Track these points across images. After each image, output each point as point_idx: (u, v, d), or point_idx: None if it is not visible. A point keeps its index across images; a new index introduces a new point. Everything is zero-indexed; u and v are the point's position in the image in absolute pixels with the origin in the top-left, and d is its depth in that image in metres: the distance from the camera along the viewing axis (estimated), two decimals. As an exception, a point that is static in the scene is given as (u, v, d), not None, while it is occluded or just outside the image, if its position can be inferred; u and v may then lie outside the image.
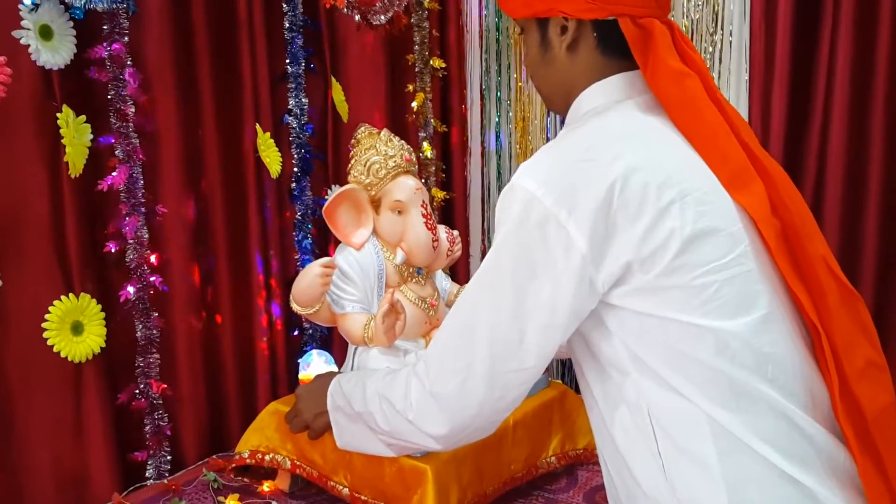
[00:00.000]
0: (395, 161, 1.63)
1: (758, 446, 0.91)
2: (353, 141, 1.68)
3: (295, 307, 1.60)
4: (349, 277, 1.62)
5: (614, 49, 1.02)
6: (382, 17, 2.07)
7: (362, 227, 1.64)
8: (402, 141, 1.68)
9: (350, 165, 1.66)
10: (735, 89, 1.99)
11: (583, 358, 1.06)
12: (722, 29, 1.97)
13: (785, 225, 0.96)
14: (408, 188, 1.62)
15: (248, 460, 1.68)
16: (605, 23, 1.01)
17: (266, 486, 1.70)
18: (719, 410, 0.92)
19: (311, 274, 1.54)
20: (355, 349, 1.63)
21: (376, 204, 1.65)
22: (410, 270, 1.68)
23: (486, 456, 1.56)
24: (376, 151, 1.63)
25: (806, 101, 1.90)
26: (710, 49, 1.99)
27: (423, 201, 1.64)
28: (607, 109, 1.02)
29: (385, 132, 1.67)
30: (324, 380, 1.42)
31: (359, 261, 1.63)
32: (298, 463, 1.65)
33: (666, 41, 0.98)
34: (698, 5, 1.99)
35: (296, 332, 2.07)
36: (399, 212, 1.63)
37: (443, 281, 1.82)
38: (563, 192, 0.91)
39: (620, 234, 0.90)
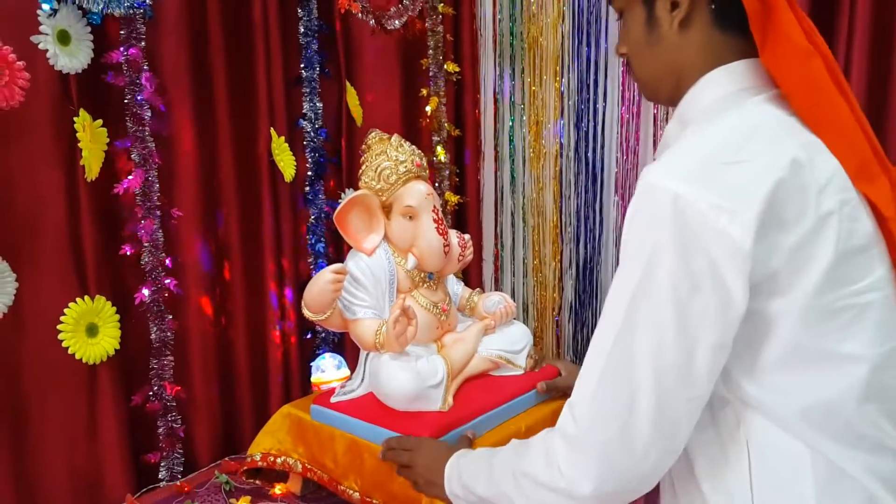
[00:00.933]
0: (405, 166, 1.63)
1: (869, 483, 0.84)
2: (363, 146, 1.69)
3: (306, 313, 1.60)
4: (360, 283, 1.62)
5: (732, 24, 0.91)
6: (397, 21, 2.08)
7: (373, 232, 1.65)
8: (413, 146, 1.69)
9: (361, 171, 1.66)
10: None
11: None
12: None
13: None
14: (419, 193, 1.63)
15: (259, 463, 1.69)
16: None
17: (278, 489, 1.71)
18: (830, 444, 0.85)
19: (322, 280, 1.54)
20: (367, 355, 1.64)
21: (387, 209, 1.65)
22: (422, 275, 1.68)
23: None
24: (387, 157, 1.63)
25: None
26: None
27: (435, 206, 1.64)
28: (735, 98, 0.91)
29: (396, 137, 1.68)
30: (442, 450, 1.28)
31: (370, 266, 1.63)
32: (309, 466, 1.66)
33: (788, 16, 0.87)
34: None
35: (309, 336, 2.08)
36: (410, 217, 1.63)
37: (454, 285, 1.83)
38: (722, 195, 0.80)
39: (782, 238, 0.81)
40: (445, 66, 2.29)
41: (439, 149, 2.32)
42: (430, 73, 2.29)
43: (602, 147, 2.28)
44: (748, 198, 0.80)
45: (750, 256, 0.80)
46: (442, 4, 2.25)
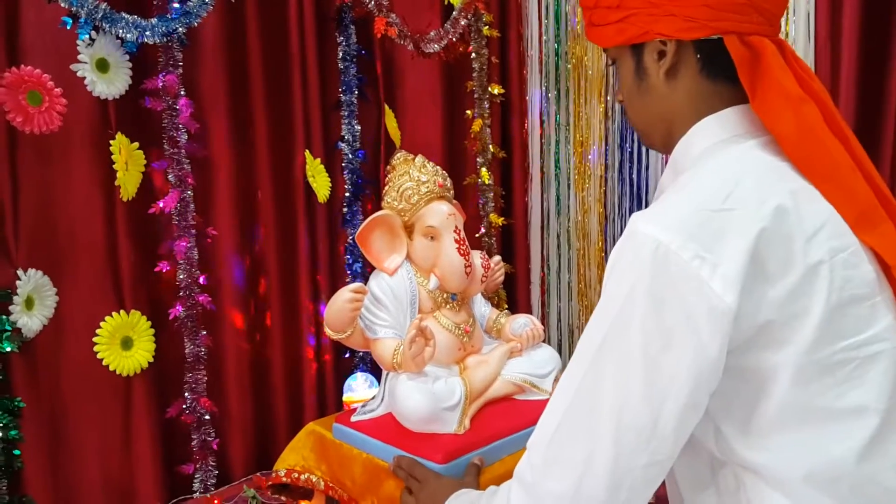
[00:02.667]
0: (427, 187, 1.63)
1: None
2: (388, 167, 1.71)
3: (328, 331, 1.62)
4: (381, 303, 1.63)
5: (720, 73, 0.88)
6: (436, 45, 2.10)
7: (395, 252, 1.65)
8: (437, 167, 1.69)
9: (384, 191, 1.68)
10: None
11: None
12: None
13: None
14: (441, 214, 1.62)
15: (283, 479, 1.71)
16: (708, 42, 0.87)
17: (302, 506, 1.72)
18: None
19: (340, 299, 1.55)
20: (387, 374, 1.64)
21: (410, 229, 1.66)
22: (444, 296, 1.67)
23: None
24: (409, 177, 1.64)
25: (875, 126, 1.78)
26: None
27: (457, 227, 1.64)
28: (726, 145, 0.88)
29: (420, 158, 1.68)
30: (445, 489, 1.23)
31: (391, 286, 1.64)
32: (331, 485, 1.67)
33: (779, 62, 0.84)
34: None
35: (347, 355, 2.10)
36: (432, 237, 1.63)
37: (481, 306, 1.81)
38: (705, 245, 0.76)
39: (768, 290, 0.76)
40: (490, 88, 2.29)
41: (484, 170, 2.31)
42: (475, 96, 2.29)
43: (647, 168, 2.22)
44: (731, 250, 0.76)
45: (731, 312, 0.74)
46: (487, 27, 2.26)
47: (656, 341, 0.76)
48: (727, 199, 0.79)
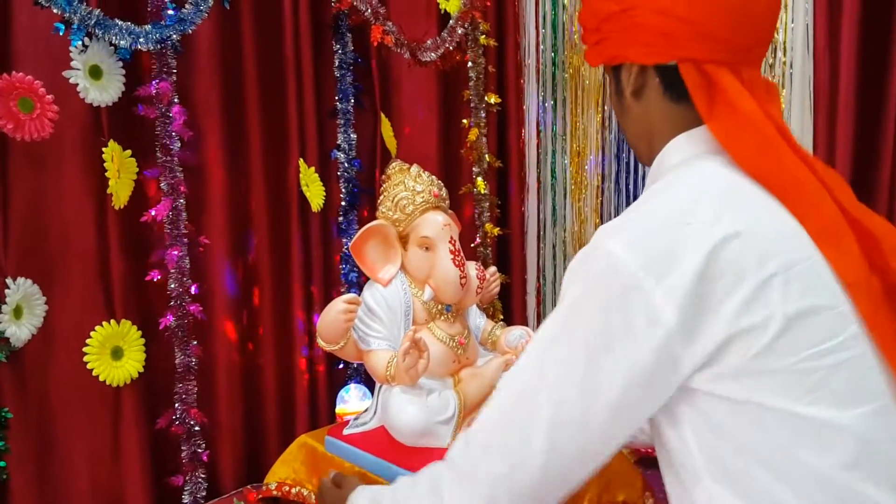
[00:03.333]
0: (423, 197, 1.62)
1: None
2: (383, 176, 1.69)
3: (320, 343, 1.60)
4: (375, 314, 1.61)
5: (682, 95, 0.93)
6: (433, 54, 2.09)
7: (390, 263, 1.64)
8: (433, 176, 1.67)
9: (379, 201, 1.66)
10: (798, 121, 1.88)
11: (658, 453, 0.94)
12: (784, 56, 1.87)
13: (887, 286, 0.85)
14: (435, 224, 1.61)
15: (274, 492, 1.69)
16: (667, 68, 0.93)
17: (293, 520, 1.70)
18: None
19: (334, 310, 1.54)
20: (380, 387, 1.62)
21: (404, 240, 1.64)
22: (439, 307, 1.66)
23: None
24: (405, 187, 1.63)
25: (875, 134, 1.77)
26: (772, 79, 1.89)
27: (452, 237, 1.62)
28: (694, 161, 0.92)
29: (415, 168, 1.67)
30: (344, 492, 1.21)
31: (385, 297, 1.62)
32: (323, 498, 1.65)
33: (735, 86, 0.88)
34: (759, 37, 1.90)
35: (340, 366, 2.08)
36: (427, 248, 1.61)
37: (476, 318, 1.79)
38: (653, 258, 0.80)
39: (717, 307, 0.79)
40: (486, 98, 2.28)
41: (479, 180, 2.30)
42: (472, 105, 2.28)
43: (643, 178, 2.21)
44: (679, 264, 0.79)
45: (668, 325, 0.79)
46: (484, 37, 2.25)
47: (598, 344, 0.82)
48: (685, 214, 0.84)
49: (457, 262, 1.60)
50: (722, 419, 0.82)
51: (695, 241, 0.80)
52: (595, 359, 0.82)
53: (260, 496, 1.72)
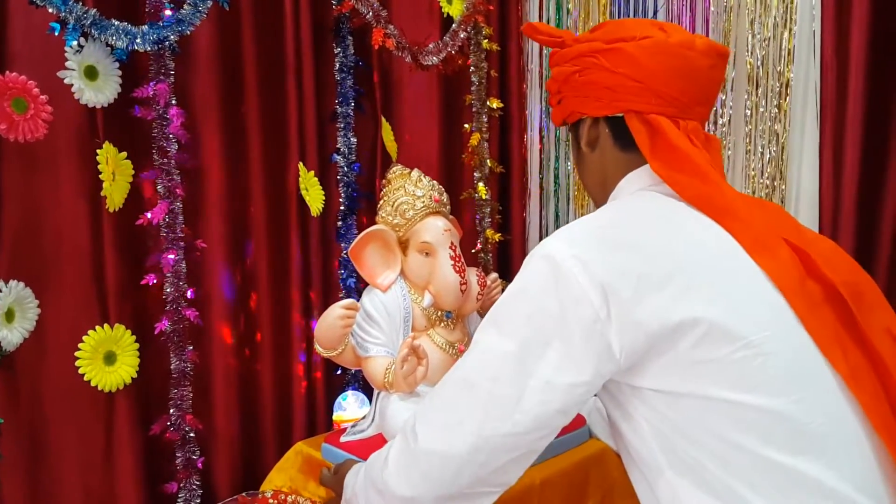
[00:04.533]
0: (423, 202, 1.60)
1: None
2: (384, 181, 1.67)
3: (318, 349, 1.58)
4: (374, 320, 1.59)
5: (629, 143, 1.06)
6: (434, 58, 2.06)
7: (389, 268, 1.61)
8: (434, 181, 1.65)
9: (379, 205, 1.64)
10: (800, 131, 1.85)
11: (621, 452, 1.02)
12: (790, 65, 1.84)
13: (828, 293, 0.92)
14: (436, 229, 1.59)
15: (270, 500, 1.66)
16: (615, 120, 1.07)
17: (289, 529, 1.67)
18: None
19: (331, 316, 1.52)
20: (378, 394, 1.59)
21: (404, 245, 1.62)
22: (439, 314, 1.63)
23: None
24: (405, 192, 1.60)
25: (884, 145, 1.74)
26: (777, 87, 1.86)
27: (453, 243, 1.60)
28: (644, 192, 1.05)
29: (416, 172, 1.65)
30: (343, 468, 1.30)
31: (384, 303, 1.60)
32: (319, 507, 1.62)
33: (673, 131, 1.01)
34: (765, 41, 1.87)
35: (339, 372, 2.05)
36: (427, 253, 1.59)
37: (477, 325, 1.76)
38: (583, 248, 0.91)
39: (645, 299, 0.87)
40: (489, 102, 2.26)
41: (481, 185, 2.27)
42: (474, 109, 2.26)
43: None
44: (608, 256, 0.90)
45: (592, 308, 0.87)
46: (487, 41, 2.23)
47: (534, 326, 0.91)
48: (620, 221, 0.99)
49: (457, 269, 1.58)
50: (670, 413, 0.89)
51: (622, 240, 0.92)
52: (530, 340, 0.90)
53: (255, 504, 1.70)
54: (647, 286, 0.87)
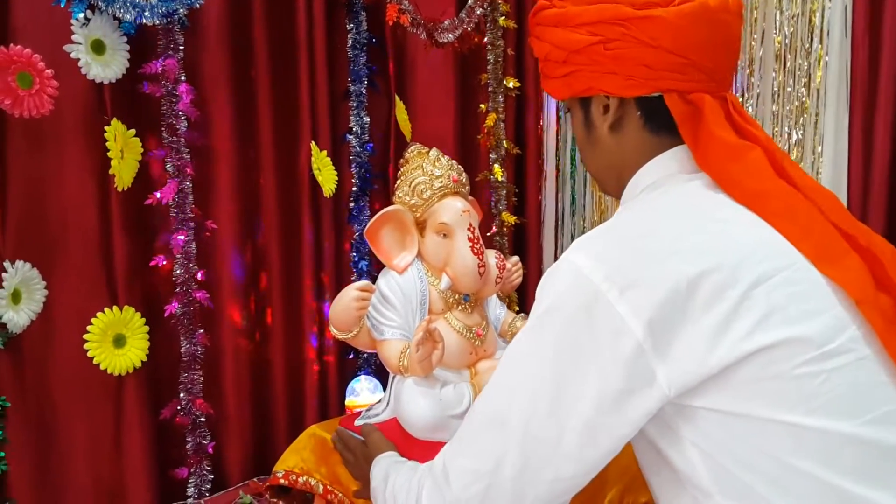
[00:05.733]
0: (441, 181, 1.54)
1: None
2: (401, 160, 1.62)
3: (333, 331, 1.54)
4: (390, 302, 1.54)
5: (662, 126, 0.92)
6: (450, 35, 2.01)
7: (405, 250, 1.57)
8: (452, 161, 1.60)
9: (396, 185, 1.59)
10: (834, 111, 1.79)
11: (650, 470, 0.91)
12: (821, 42, 1.78)
13: None
14: (454, 210, 1.53)
15: (281, 480, 1.64)
16: (649, 99, 0.91)
17: (301, 514, 1.64)
18: None
19: (346, 297, 1.47)
20: (393, 377, 1.55)
21: (421, 226, 1.57)
22: (456, 297, 1.59)
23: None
24: (422, 171, 1.55)
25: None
26: (806, 66, 1.80)
27: (471, 224, 1.55)
28: (667, 184, 0.91)
29: (434, 151, 1.59)
30: (367, 451, 1.31)
31: (401, 285, 1.55)
32: (331, 488, 1.59)
33: (717, 117, 0.88)
34: (793, 17, 1.81)
35: (351, 356, 2.02)
36: (444, 235, 1.54)
37: (496, 308, 1.72)
38: (617, 269, 0.78)
39: (692, 322, 0.75)
40: (505, 82, 2.20)
41: (497, 167, 2.22)
42: (490, 89, 2.20)
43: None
44: (645, 275, 0.77)
45: (634, 338, 0.75)
46: (504, 18, 2.17)
47: (566, 359, 0.79)
48: (649, 229, 0.83)
49: (475, 250, 1.53)
50: (723, 435, 0.78)
51: (661, 255, 0.78)
52: (564, 375, 0.79)
53: (267, 484, 1.67)
54: (700, 308, 0.75)
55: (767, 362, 0.75)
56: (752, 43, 1.86)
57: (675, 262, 0.77)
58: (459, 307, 1.60)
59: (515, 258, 1.73)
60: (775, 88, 1.86)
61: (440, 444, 1.42)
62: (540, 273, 2.40)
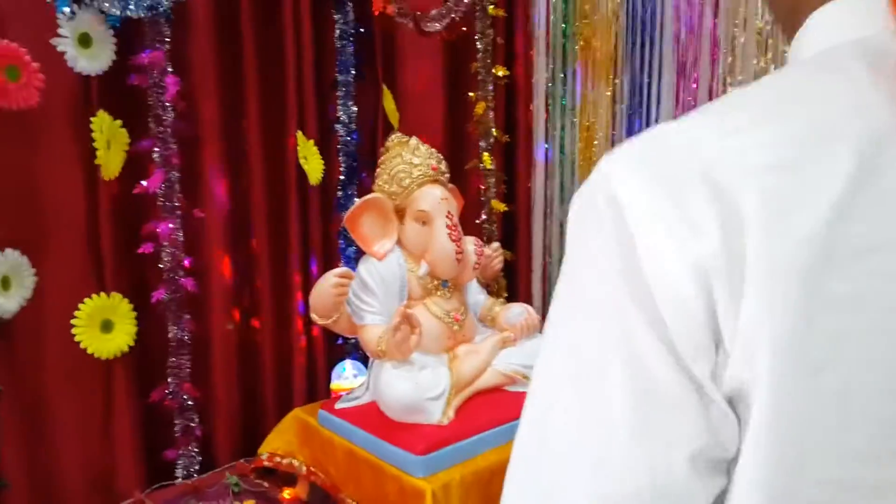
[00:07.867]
0: (420, 170, 1.58)
1: None
2: (382, 149, 1.65)
3: (313, 317, 1.58)
4: (369, 288, 1.58)
5: None
6: (437, 24, 2.03)
7: (386, 237, 1.60)
8: (432, 150, 1.63)
9: (377, 174, 1.62)
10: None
11: None
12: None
13: None
14: (433, 198, 1.57)
15: (265, 462, 1.69)
16: None
17: (286, 493, 1.69)
18: None
19: (325, 284, 1.51)
20: (373, 361, 1.59)
21: (401, 214, 1.60)
22: (435, 283, 1.62)
23: (497, 486, 1.47)
24: (402, 160, 1.59)
25: None
26: (788, 51, 1.80)
27: (450, 212, 1.58)
28: (840, 61, 0.44)
29: (414, 140, 1.62)
30: None
31: (380, 272, 1.59)
32: (313, 469, 1.64)
33: None
34: (774, 6, 1.81)
35: (340, 342, 2.05)
36: (423, 222, 1.57)
37: (476, 294, 1.75)
38: (678, 189, 0.40)
39: (827, 284, 0.39)
40: (494, 70, 2.22)
41: (486, 155, 2.24)
42: (479, 77, 2.22)
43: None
44: (730, 210, 0.39)
45: (686, 306, 0.39)
46: (493, 7, 2.18)
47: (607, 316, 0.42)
48: (766, 128, 0.41)
49: (453, 237, 1.56)
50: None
51: (768, 175, 0.39)
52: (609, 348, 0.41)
53: (252, 466, 1.72)
54: (839, 256, 0.39)
55: None
56: (735, 29, 1.87)
57: (810, 188, 0.39)
58: (438, 293, 1.63)
59: (496, 244, 1.76)
60: (758, 74, 1.86)
61: (416, 426, 1.47)
62: (529, 260, 2.42)
